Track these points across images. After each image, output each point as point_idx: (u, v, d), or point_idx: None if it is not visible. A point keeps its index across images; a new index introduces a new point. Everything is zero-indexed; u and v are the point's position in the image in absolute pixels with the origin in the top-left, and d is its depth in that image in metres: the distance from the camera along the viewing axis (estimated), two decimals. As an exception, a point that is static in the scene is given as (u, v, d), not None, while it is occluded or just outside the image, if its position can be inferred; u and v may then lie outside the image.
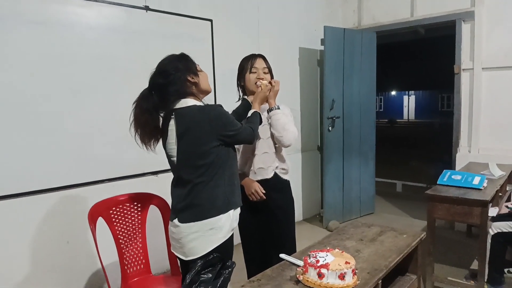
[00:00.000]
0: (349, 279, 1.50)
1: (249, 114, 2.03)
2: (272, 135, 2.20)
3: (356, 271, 1.58)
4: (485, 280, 2.79)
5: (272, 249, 2.15)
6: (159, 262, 2.54)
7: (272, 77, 2.29)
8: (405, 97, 29.87)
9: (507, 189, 3.57)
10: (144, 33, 3.14)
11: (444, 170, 3.21)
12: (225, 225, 1.76)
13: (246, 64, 2.25)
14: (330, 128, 4.45)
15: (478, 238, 2.77)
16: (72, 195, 2.82)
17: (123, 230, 2.32)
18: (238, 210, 1.86)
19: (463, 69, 4.18)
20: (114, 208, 2.29)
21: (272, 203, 2.24)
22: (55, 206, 2.75)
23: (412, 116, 29.46)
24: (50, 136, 2.70)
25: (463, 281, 2.92)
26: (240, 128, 1.81)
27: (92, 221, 2.13)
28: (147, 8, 3.14)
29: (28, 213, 2.63)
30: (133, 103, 1.76)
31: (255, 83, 2.17)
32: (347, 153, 4.66)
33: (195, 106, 1.75)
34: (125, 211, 2.34)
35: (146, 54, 3.01)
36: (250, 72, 2.22)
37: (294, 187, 4.60)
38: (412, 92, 29.07)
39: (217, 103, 1.80)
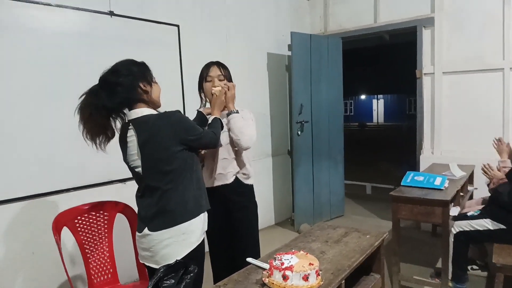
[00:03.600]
0: (313, 280, 1.53)
1: (210, 120, 2.04)
2: (231, 140, 2.21)
3: (320, 272, 1.62)
4: (450, 278, 2.90)
5: (235, 251, 2.17)
6: (127, 271, 2.50)
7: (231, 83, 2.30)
8: (374, 101, 30.59)
9: (468, 189, 3.72)
10: (110, 38, 3.11)
11: (407, 172, 3.32)
12: (197, 229, 1.77)
13: (203, 73, 2.29)
14: (299, 132, 4.51)
15: (442, 237, 2.88)
16: (38, 205, 2.74)
17: (89, 239, 2.28)
18: (206, 214, 1.87)
19: (425, 74, 4.34)
20: (79, 218, 2.25)
21: (233, 206, 2.28)
22: (19, 216, 2.67)
23: (381, 119, 30.20)
24: (13, 144, 2.62)
25: (428, 280, 3.02)
26: (202, 132, 1.82)
27: (57, 231, 2.09)
28: (112, 13, 3.11)
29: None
30: (80, 96, 1.72)
31: (211, 92, 2.20)
32: (316, 156, 4.74)
33: (152, 114, 1.75)
34: (90, 220, 2.30)
35: (112, 59, 2.93)
36: (206, 81, 2.26)
37: (266, 192, 4.68)
38: (381, 96, 29.81)
39: (176, 110, 1.79)
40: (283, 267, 1.54)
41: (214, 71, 2.26)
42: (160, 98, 1.88)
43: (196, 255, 1.74)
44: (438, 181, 3.08)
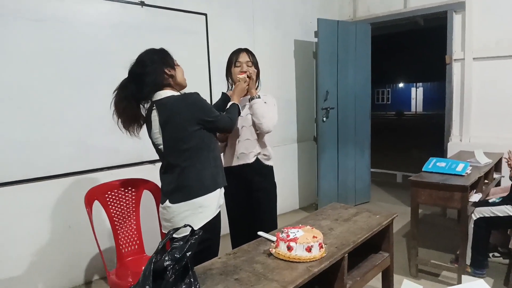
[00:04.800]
0: (316, 252, 1.64)
1: (228, 106, 2.17)
2: (254, 123, 2.36)
3: (325, 245, 1.72)
4: (469, 264, 2.91)
5: (253, 227, 2.30)
6: (152, 243, 2.68)
7: (258, 70, 2.45)
8: (413, 89, 29.69)
9: (494, 176, 3.66)
10: (140, 27, 3.28)
11: (430, 158, 3.32)
12: (212, 203, 1.92)
13: (232, 59, 2.43)
14: (324, 118, 4.56)
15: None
16: (73, 182, 3.00)
17: (118, 213, 2.48)
18: (223, 189, 2.02)
19: (455, 59, 4.26)
20: (109, 192, 2.45)
21: (254, 185, 2.42)
22: (57, 193, 2.94)
23: (420, 108, 29.30)
24: (52, 127, 2.87)
25: (445, 264, 3.03)
26: (218, 116, 1.95)
27: (88, 204, 2.29)
28: (142, 4, 3.28)
29: (32, 199, 2.81)
30: (113, 92, 1.90)
31: (237, 78, 2.33)
32: (342, 143, 4.77)
33: (173, 95, 1.89)
34: (119, 195, 2.50)
35: (142, 48, 3.14)
36: (235, 66, 2.40)
37: (290, 177, 4.77)
38: (420, 84, 28.88)
39: (194, 92, 1.92)
40: (288, 238, 1.66)
41: (243, 57, 2.40)
42: (185, 78, 2.01)
43: (211, 227, 1.89)
44: (460, 167, 3.06)
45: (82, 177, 3.03)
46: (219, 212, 1.99)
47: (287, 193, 4.66)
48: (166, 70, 1.91)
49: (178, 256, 1.20)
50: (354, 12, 5.14)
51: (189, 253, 1.22)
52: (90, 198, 2.32)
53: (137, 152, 3.28)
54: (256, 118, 2.32)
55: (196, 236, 1.25)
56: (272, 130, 2.35)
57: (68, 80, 2.94)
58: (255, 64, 2.44)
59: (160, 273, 1.17)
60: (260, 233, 1.92)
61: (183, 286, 1.19)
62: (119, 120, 1.89)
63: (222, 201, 2.01)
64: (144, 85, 1.86)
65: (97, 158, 3.11)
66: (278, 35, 4.53)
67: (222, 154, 2.45)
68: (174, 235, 1.85)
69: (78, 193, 2.94)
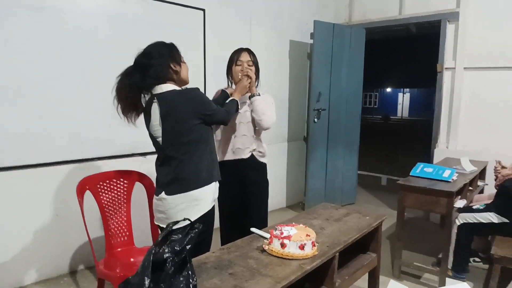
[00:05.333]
0: (309, 250, 1.67)
1: (227, 100, 2.21)
2: (253, 120, 2.42)
3: (317, 243, 1.75)
4: (451, 267, 2.99)
5: (245, 224, 2.33)
6: (142, 236, 2.69)
7: (257, 69, 2.51)
8: (400, 95, 30.09)
9: (479, 184, 3.76)
10: (138, 20, 3.26)
11: (418, 163, 3.39)
12: (208, 196, 1.96)
13: (233, 57, 2.49)
14: (315, 119, 4.61)
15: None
16: (62, 172, 2.97)
17: (109, 203, 2.47)
18: (217, 183, 2.05)
19: (446, 68, 4.35)
20: (101, 183, 2.44)
21: (247, 180, 2.48)
22: (46, 181, 2.91)
23: (406, 113, 29.72)
24: (46, 117, 2.85)
25: (428, 267, 3.11)
26: (216, 109, 1.99)
27: (80, 193, 2.29)
28: (141, -5, 3.26)
29: (20, 187, 2.78)
30: (117, 77, 1.90)
31: (239, 75, 2.40)
32: (331, 144, 4.83)
33: (174, 90, 1.91)
34: (111, 186, 2.49)
35: (139, 41, 3.10)
36: (236, 65, 2.46)
37: (279, 175, 4.82)
38: (407, 90, 29.29)
39: (195, 87, 1.95)
40: (282, 236, 1.69)
41: (244, 57, 2.46)
42: (188, 76, 2.04)
43: (206, 220, 1.92)
44: (446, 174, 3.14)
45: (72, 167, 3.01)
46: (214, 205, 2.02)
47: (275, 191, 4.67)
48: (172, 65, 1.93)
49: (178, 249, 1.21)
50: (350, 16, 5.21)
51: (189, 246, 1.24)
52: (82, 187, 2.31)
53: (128, 144, 3.28)
54: (256, 114, 2.39)
55: (196, 230, 1.27)
56: (271, 127, 2.43)
57: (62, 71, 2.90)
58: (255, 63, 2.50)
59: (160, 264, 1.19)
60: (253, 229, 1.95)
61: (181, 278, 1.21)
62: (119, 105, 1.90)
63: (217, 194, 2.05)
64: (147, 76, 1.88)
65: (88, 149, 3.09)
66: (274, 34, 4.56)
67: (217, 148, 2.49)
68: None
69: (67, 183, 2.95)
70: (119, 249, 2.46)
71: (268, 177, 2.64)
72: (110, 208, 2.47)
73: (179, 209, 1.89)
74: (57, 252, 3.01)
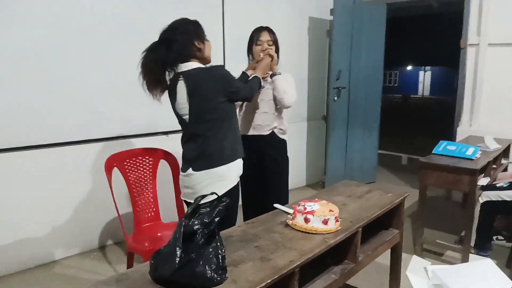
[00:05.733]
0: (332, 225, 1.70)
1: (251, 77, 2.22)
2: (275, 98, 2.44)
3: (340, 219, 1.78)
4: (473, 245, 2.99)
5: (266, 201, 2.40)
6: (167, 212, 2.77)
7: (277, 48, 2.52)
8: (421, 73, 29.41)
9: (502, 162, 3.70)
10: (158, -2, 3.28)
11: (441, 141, 3.36)
12: (232, 173, 2.01)
13: (253, 37, 2.50)
14: (335, 98, 4.58)
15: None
16: (89, 149, 3.07)
17: (135, 180, 2.55)
18: (242, 160, 2.09)
19: (469, 44, 4.22)
20: (128, 160, 2.52)
21: (266, 157, 2.53)
22: (71, 159, 3.02)
23: (427, 92, 29.10)
24: (70, 94, 2.92)
25: (450, 244, 3.12)
26: (240, 86, 2.02)
27: (108, 170, 2.36)
28: (161, -26, 3.26)
29: (48, 164, 2.90)
30: (142, 53, 1.92)
31: (259, 54, 2.43)
32: (351, 123, 4.80)
33: (200, 67, 1.94)
34: (137, 163, 2.57)
35: (157, 18, 3.15)
36: (256, 45, 2.47)
37: (299, 154, 4.84)
38: (429, 68, 28.57)
39: (220, 64, 1.98)
40: (305, 211, 1.72)
41: (264, 36, 2.47)
42: (210, 54, 2.04)
43: (231, 195, 1.96)
44: (470, 151, 3.10)
45: (96, 145, 3.10)
46: (239, 181, 2.06)
47: (295, 170, 4.64)
48: (195, 43, 1.94)
49: (207, 221, 1.26)
50: (371, -9, 5.08)
51: (217, 219, 1.28)
52: (110, 164, 2.39)
53: (151, 123, 3.34)
54: (277, 93, 2.41)
55: (224, 203, 1.31)
56: (292, 105, 2.45)
57: (84, 49, 2.96)
58: (275, 42, 2.51)
59: (190, 235, 1.23)
60: (276, 205, 1.99)
61: (210, 249, 1.25)
62: (144, 81, 1.92)
63: (241, 171, 2.08)
64: (171, 50, 1.89)
65: (112, 127, 3.16)
66: (293, 11, 4.50)
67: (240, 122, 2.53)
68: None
69: (92, 160, 3.04)
70: (146, 224, 2.55)
71: (288, 155, 2.66)
72: (137, 185, 2.55)
73: (205, 185, 1.94)
74: (86, 228, 3.14)
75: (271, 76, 2.44)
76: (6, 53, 2.63)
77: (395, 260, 2.26)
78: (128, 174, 2.51)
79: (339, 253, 1.81)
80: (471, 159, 3.02)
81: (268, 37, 2.47)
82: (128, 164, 2.51)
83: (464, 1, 4.25)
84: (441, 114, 14.86)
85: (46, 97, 2.82)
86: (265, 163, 2.54)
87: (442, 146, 3.27)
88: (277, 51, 2.53)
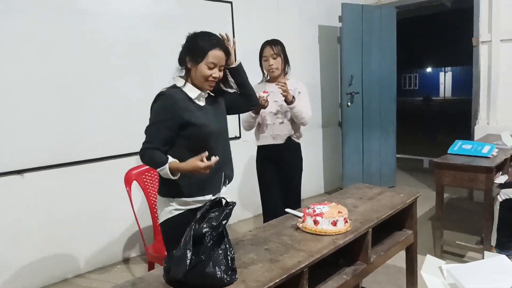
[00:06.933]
0: (341, 226, 1.74)
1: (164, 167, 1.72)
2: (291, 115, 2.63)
3: (349, 220, 1.82)
4: (494, 245, 2.94)
5: (280, 199, 2.66)
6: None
7: (285, 58, 2.66)
8: (442, 74, 28.90)
9: (522, 158, 3.63)
10: (170, 18, 3.42)
11: (456, 140, 3.34)
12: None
13: (260, 54, 2.68)
14: (349, 103, 4.61)
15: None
16: (109, 166, 3.19)
17: (154, 193, 2.64)
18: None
19: (482, 42, 4.20)
20: (146, 174, 2.62)
21: (283, 163, 2.73)
22: (95, 175, 3.14)
23: (448, 93, 28.53)
24: (91, 114, 3.07)
25: (470, 245, 3.08)
26: (147, 133, 1.79)
27: (128, 183, 2.47)
28: (170, -7, 3.40)
29: (71, 182, 3.03)
30: None
31: (267, 69, 2.65)
32: (366, 127, 4.81)
33: (162, 91, 1.79)
34: (155, 178, 2.66)
35: (172, 37, 3.30)
36: (263, 61, 2.66)
37: (315, 162, 4.86)
38: (449, 68, 28.07)
39: (159, 92, 1.80)
40: (315, 213, 1.77)
41: (267, 51, 2.62)
42: (205, 83, 1.79)
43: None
44: (485, 149, 3.08)
45: (117, 161, 3.21)
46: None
47: (312, 177, 4.74)
48: (187, 59, 1.79)
49: (215, 224, 1.32)
50: (380, -5, 5.12)
51: (225, 221, 1.34)
52: (129, 178, 2.50)
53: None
54: (296, 119, 2.61)
55: (231, 207, 1.38)
56: (309, 121, 2.67)
57: (106, 71, 3.11)
58: (280, 53, 2.62)
59: (199, 238, 1.30)
60: (287, 210, 2.04)
61: (220, 251, 1.32)
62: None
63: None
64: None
65: (131, 143, 3.27)
66: (302, 21, 4.58)
67: (256, 131, 2.76)
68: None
69: (113, 176, 3.15)
70: (165, 235, 2.62)
71: (304, 163, 2.83)
72: (155, 197, 2.64)
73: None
74: (109, 241, 3.25)
75: (287, 101, 2.52)
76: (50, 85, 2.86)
77: (411, 261, 2.26)
78: (147, 187, 2.60)
79: (351, 255, 1.84)
80: (487, 157, 3.00)
81: (271, 51, 2.59)
82: (146, 177, 2.61)
83: (473, -1, 4.25)
84: (463, 114, 14.53)
85: (73, 118, 2.97)
86: (282, 168, 2.73)
87: (458, 146, 3.25)
88: (285, 61, 2.65)
